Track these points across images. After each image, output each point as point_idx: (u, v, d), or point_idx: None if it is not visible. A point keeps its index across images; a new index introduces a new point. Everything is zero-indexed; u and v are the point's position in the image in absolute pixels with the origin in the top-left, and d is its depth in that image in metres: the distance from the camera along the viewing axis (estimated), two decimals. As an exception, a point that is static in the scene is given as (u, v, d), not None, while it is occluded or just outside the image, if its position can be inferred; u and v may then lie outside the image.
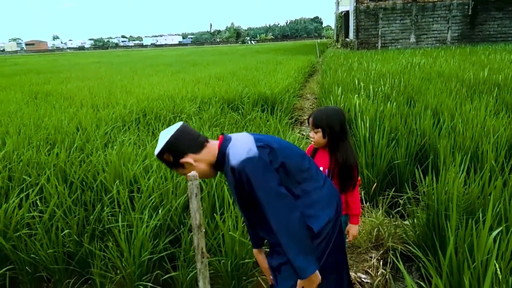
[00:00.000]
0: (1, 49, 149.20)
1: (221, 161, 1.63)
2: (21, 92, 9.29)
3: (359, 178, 2.24)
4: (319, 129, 2.11)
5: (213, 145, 1.68)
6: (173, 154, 1.61)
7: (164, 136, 1.62)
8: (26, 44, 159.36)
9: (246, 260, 2.51)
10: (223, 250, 2.57)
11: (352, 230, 2.27)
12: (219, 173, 1.76)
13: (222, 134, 1.72)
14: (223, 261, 2.51)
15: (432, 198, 2.73)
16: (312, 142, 2.21)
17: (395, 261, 2.29)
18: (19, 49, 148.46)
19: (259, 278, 2.62)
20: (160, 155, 1.62)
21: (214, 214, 2.81)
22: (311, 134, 2.18)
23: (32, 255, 2.66)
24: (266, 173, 1.50)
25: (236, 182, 1.55)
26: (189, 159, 1.62)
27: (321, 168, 2.13)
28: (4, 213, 2.80)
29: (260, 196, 1.49)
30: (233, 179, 1.55)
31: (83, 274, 2.78)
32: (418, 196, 3.35)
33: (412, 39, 23.65)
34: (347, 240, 2.32)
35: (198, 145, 1.64)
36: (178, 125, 1.65)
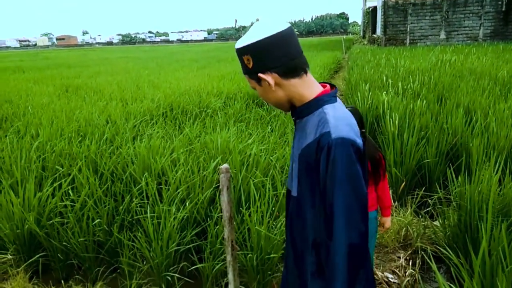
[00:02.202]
0: (34, 43, 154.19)
1: (309, 109, 1.25)
2: (53, 86, 9.57)
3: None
4: None
5: (311, 82, 1.26)
6: (256, 61, 1.20)
7: (261, 30, 1.19)
8: (57, 39, 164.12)
9: (272, 255, 2.51)
10: (248, 244, 2.58)
11: (387, 222, 2.32)
12: None
13: (330, 84, 1.31)
14: (249, 255, 2.51)
15: (464, 199, 2.65)
16: None
17: (428, 260, 2.24)
18: (50, 43, 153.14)
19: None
20: (242, 51, 1.22)
21: (240, 208, 2.83)
22: None
23: (64, 243, 2.75)
24: (358, 167, 1.15)
25: (317, 148, 1.19)
26: (269, 78, 1.21)
27: None
28: (38, 201, 2.90)
29: (337, 191, 1.14)
30: (316, 144, 1.18)
31: (112, 263, 2.85)
32: (449, 196, 3.27)
33: (442, 35, 23.01)
34: (380, 231, 2.36)
35: (292, 68, 1.21)
36: (285, 26, 1.20)
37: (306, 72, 1.25)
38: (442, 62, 10.42)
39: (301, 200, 1.32)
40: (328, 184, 1.15)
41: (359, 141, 1.17)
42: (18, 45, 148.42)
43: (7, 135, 4.47)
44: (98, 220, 2.80)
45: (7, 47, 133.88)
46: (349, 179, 1.13)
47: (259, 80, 1.24)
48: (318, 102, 1.23)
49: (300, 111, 1.27)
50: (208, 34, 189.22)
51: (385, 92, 6.13)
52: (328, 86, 1.30)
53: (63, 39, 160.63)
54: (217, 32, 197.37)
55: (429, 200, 3.46)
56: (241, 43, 1.22)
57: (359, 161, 1.15)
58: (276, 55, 1.19)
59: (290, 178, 1.42)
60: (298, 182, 1.31)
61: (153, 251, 2.55)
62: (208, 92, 7.18)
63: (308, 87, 1.25)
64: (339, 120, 1.18)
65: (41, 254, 2.84)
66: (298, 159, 1.28)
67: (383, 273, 2.72)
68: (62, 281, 2.76)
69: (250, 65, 1.22)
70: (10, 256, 2.90)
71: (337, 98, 1.28)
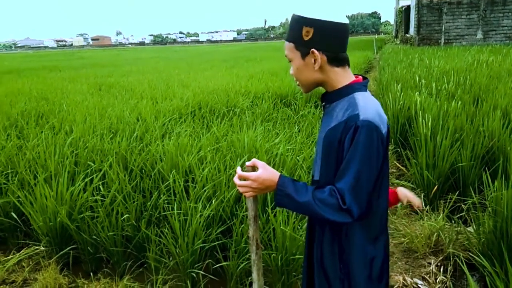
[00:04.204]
0: (70, 43, 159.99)
1: (340, 94, 1.32)
2: (87, 84, 9.88)
3: None
4: None
5: (349, 73, 1.35)
6: (316, 36, 1.25)
7: (328, 16, 1.26)
8: (92, 39, 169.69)
9: (297, 256, 2.48)
10: (273, 244, 2.56)
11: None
12: None
13: (363, 76, 1.40)
14: (273, 255, 2.49)
15: (501, 204, 2.53)
16: None
17: (462, 267, 2.14)
18: (85, 43, 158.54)
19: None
20: (307, 21, 1.26)
21: (266, 208, 2.81)
22: None
23: (94, 237, 2.82)
24: (375, 152, 1.21)
25: (343, 129, 1.24)
26: (320, 57, 1.27)
27: None
28: (70, 195, 2.99)
29: (352, 168, 1.20)
30: (343, 125, 1.24)
31: (139, 258, 2.90)
32: (484, 202, 3.13)
33: (479, 35, 22.15)
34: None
35: (340, 59, 1.31)
36: (347, 21, 1.30)
37: (349, 65, 1.36)
38: (478, 62, 10.02)
39: (323, 183, 1.33)
40: (345, 161, 1.22)
41: (383, 128, 1.24)
42: (55, 45, 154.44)
43: (43, 131, 4.64)
44: (127, 215, 2.85)
45: (45, 47, 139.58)
46: (365, 161, 1.19)
47: (305, 54, 1.29)
48: (350, 89, 1.31)
49: (331, 95, 1.35)
50: (238, 34, 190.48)
51: (417, 92, 5.96)
52: (360, 77, 1.37)
53: (97, 39, 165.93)
54: (246, 32, 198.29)
55: (463, 205, 3.33)
56: (309, 15, 1.27)
57: (379, 147, 1.21)
58: (334, 41, 1.28)
59: (314, 164, 1.45)
60: (321, 165, 1.35)
61: (179, 247, 2.58)
62: (236, 92, 7.21)
63: (346, 77, 1.33)
64: (368, 104, 1.25)
65: (72, 246, 2.92)
66: (323, 142, 1.33)
67: (412, 279, 2.64)
68: (91, 274, 2.83)
69: (308, 37, 1.26)
70: (43, 248, 3.00)
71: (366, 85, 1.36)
